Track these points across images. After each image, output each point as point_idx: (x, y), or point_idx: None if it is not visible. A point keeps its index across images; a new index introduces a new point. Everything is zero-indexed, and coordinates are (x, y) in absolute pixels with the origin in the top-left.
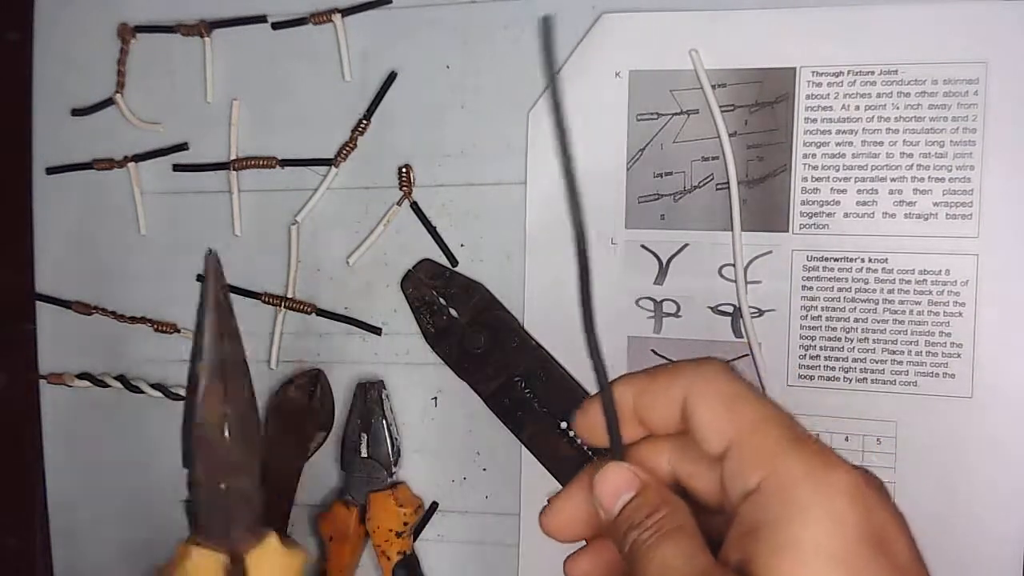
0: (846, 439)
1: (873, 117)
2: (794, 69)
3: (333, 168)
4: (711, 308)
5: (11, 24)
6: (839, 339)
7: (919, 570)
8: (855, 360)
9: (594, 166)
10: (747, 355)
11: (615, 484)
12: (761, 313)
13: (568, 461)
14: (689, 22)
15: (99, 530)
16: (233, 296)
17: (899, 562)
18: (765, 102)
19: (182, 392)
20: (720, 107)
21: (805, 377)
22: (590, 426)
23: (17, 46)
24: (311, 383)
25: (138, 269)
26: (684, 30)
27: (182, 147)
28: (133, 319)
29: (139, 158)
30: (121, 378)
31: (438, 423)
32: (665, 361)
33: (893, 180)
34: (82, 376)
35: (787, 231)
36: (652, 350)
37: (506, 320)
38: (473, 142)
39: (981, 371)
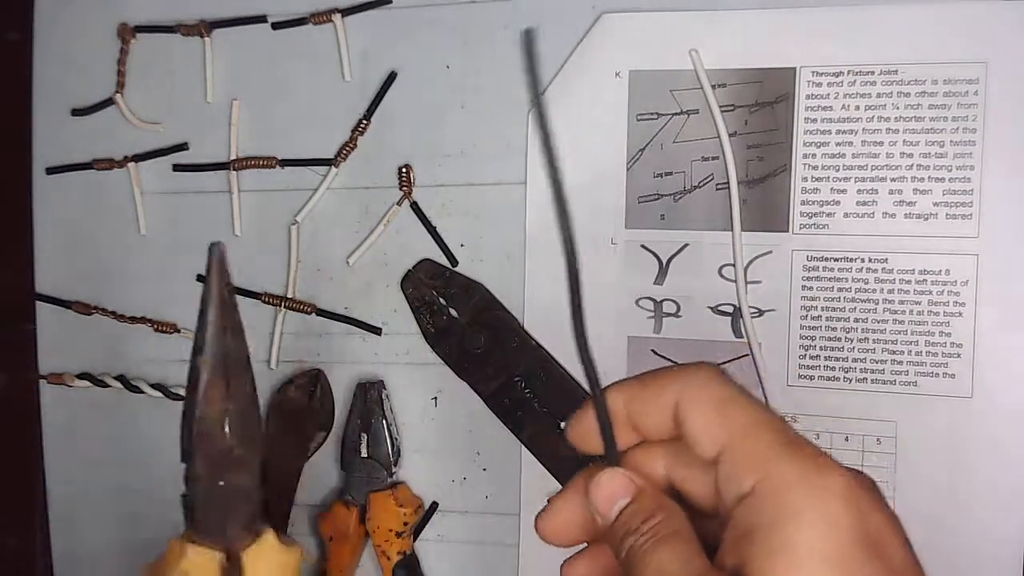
0: (846, 439)
1: (873, 117)
2: (794, 69)
3: (333, 168)
4: (711, 308)
5: (11, 24)
6: (839, 339)
7: (914, 572)
8: (855, 360)
9: (594, 166)
10: (747, 355)
11: (611, 490)
12: (761, 313)
13: (568, 461)
14: (689, 22)
15: (99, 530)
16: None
17: (894, 564)
18: (765, 102)
19: (182, 392)
20: (720, 107)
21: (805, 377)
22: (583, 434)
23: (17, 46)
24: (311, 383)
25: (138, 269)
26: (684, 30)
27: (182, 147)
28: (133, 319)
29: (139, 158)
30: (121, 378)
31: (438, 423)
32: (665, 361)
33: (893, 180)
34: (82, 376)
35: (787, 231)
36: (652, 350)
37: (506, 320)
38: (473, 142)
39: (981, 371)
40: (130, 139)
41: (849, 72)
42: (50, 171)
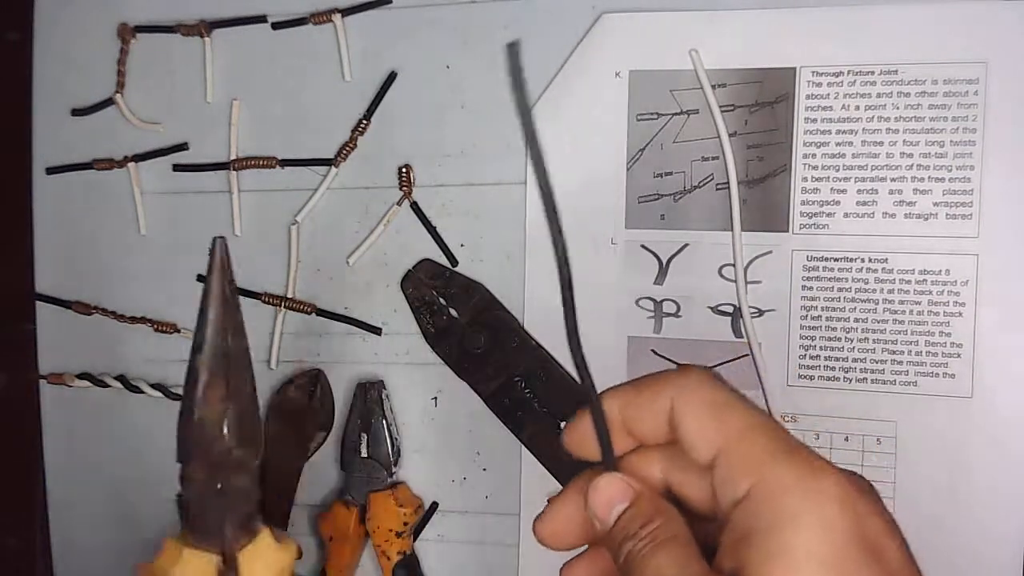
0: (846, 439)
1: (873, 117)
2: (794, 69)
3: (333, 168)
4: (711, 308)
5: (11, 24)
6: (839, 339)
7: (911, 574)
8: (855, 360)
9: (594, 166)
10: (747, 355)
11: (608, 495)
12: (761, 313)
13: (568, 462)
14: (689, 22)
15: (99, 530)
16: None
17: (891, 567)
18: (765, 102)
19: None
20: (720, 107)
21: (805, 377)
22: (580, 440)
23: (17, 46)
24: (311, 383)
25: (138, 269)
26: (684, 30)
27: (182, 147)
28: (133, 319)
29: (139, 158)
30: (121, 378)
31: (438, 423)
32: (665, 361)
33: (893, 180)
34: (82, 376)
35: (787, 231)
36: (652, 350)
37: (506, 320)
38: (473, 142)
39: (981, 371)
40: (130, 139)
41: (849, 72)
42: (50, 171)
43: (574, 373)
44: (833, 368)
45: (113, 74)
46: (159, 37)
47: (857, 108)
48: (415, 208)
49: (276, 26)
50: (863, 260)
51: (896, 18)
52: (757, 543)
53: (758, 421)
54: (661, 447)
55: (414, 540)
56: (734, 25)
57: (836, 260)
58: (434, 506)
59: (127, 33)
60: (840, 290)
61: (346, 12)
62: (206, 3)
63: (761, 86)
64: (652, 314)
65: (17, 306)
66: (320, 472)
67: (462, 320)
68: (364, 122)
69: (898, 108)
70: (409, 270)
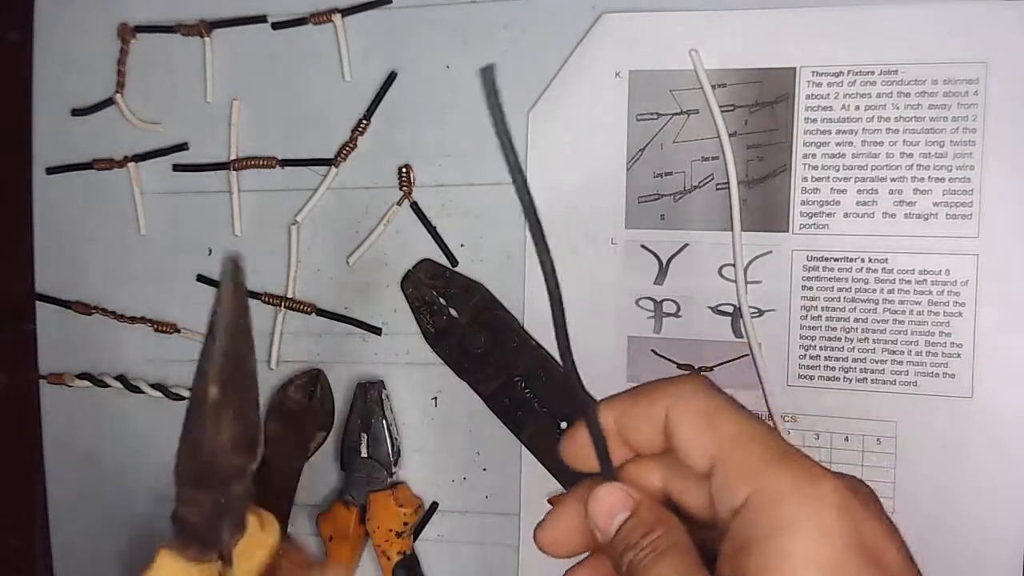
0: (846, 439)
1: (873, 117)
2: (794, 69)
3: (333, 168)
4: (711, 308)
5: (11, 24)
6: (839, 339)
7: None
8: (855, 360)
9: (594, 166)
10: (747, 355)
11: (609, 504)
12: (761, 313)
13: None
14: (689, 22)
15: (99, 530)
16: None
17: (891, 572)
18: (765, 102)
19: (182, 392)
20: (720, 107)
21: (805, 377)
22: (577, 452)
23: (17, 46)
24: (311, 383)
25: (138, 269)
26: (684, 30)
27: (182, 147)
28: (133, 319)
29: (139, 158)
30: (121, 378)
31: (438, 423)
32: (665, 361)
33: (893, 180)
34: (82, 376)
35: (787, 231)
36: (652, 350)
37: (506, 320)
38: (473, 142)
39: (981, 371)
40: (130, 139)
41: (849, 72)
42: (50, 171)
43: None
44: (833, 368)
45: (113, 74)
46: (159, 37)
47: (857, 108)
48: (415, 208)
49: (276, 26)
50: (863, 260)
51: (896, 18)
52: (756, 551)
53: (753, 428)
54: (660, 456)
55: (414, 540)
56: (734, 25)
57: (836, 260)
58: (434, 506)
59: (127, 33)
60: (840, 290)
61: (346, 12)
62: (206, 3)
63: (761, 86)
64: (652, 314)
65: (17, 306)
66: (320, 472)
67: (462, 320)
68: (364, 122)
69: (898, 108)
70: (409, 270)
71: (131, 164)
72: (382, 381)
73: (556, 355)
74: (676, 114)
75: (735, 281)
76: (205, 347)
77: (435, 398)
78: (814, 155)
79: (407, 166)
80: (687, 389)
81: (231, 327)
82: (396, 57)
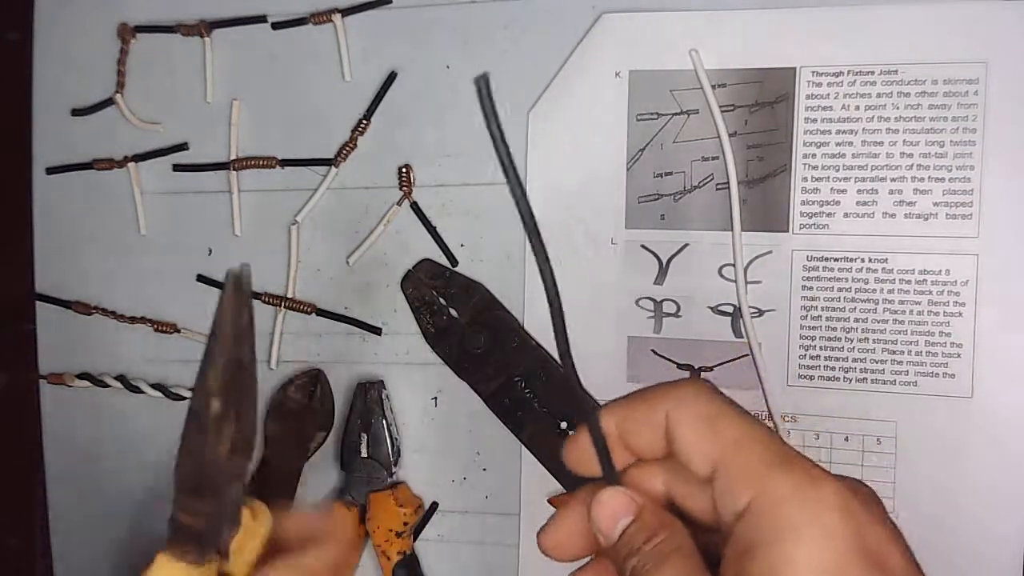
0: (846, 439)
1: (873, 117)
2: (794, 69)
3: (333, 168)
4: (711, 308)
5: (11, 24)
6: (839, 339)
7: None
8: (855, 360)
9: (594, 166)
10: (747, 355)
11: (612, 509)
12: (761, 313)
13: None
14: (689, 22)
15: (99, 530)
16: None
17: (895, 575)
18: (765, 102)
19: (182, 392)
20: (720, 107)
21: (805, 377)
22: (579, 457)
23: (17, 46)
24: (311, 383)
25: (138, 269)
26: (684, 30)
27: (182, 147)
28: (133, 319)
29: (139, 158)
30: (121, 378)
31: (438, 423)
32: (665, 361)
33: (893, 180)
34: (82, 376)
35: (787, 231)
36: (652, 350)
37: (506, 320)
38: (473, 142)
39: (981, 371)
40: (130, 139)
41: (849, 72)
42: (50, 171)
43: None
44: (833, 368)
45: (113, 74)
46: (159, 37)
47: (857, 108)
48: (415, 208)
49: (276, 26)
50: (863, 260)
51: (896, 18)
52: (760, 556)
53: (754, 432)
54: (662, 460)
55: (414, 540)
56: (734, 25)
57: (836, 260)
58: (434, 506)
59: (127, 33)
60: (840, 290)
61: (346, 12)
62: (206, 3)
63: (761, 86)
64: (652, 314)
65: (17, 306)
66: (320, 472)
67: (462, 320)
68: (364, 122)
69: (898, 108)
70: (409, 270)
71: (131, 164)
72: (382, 381)
73: (556, 356)
74: (676, 114)
75: (735, 281)
76: (207, 358)
77: (435, 398)
78: (814, 155)
79: (407, 166)
80: (688, 393)
81: (234, 339)
82: (396, 57)
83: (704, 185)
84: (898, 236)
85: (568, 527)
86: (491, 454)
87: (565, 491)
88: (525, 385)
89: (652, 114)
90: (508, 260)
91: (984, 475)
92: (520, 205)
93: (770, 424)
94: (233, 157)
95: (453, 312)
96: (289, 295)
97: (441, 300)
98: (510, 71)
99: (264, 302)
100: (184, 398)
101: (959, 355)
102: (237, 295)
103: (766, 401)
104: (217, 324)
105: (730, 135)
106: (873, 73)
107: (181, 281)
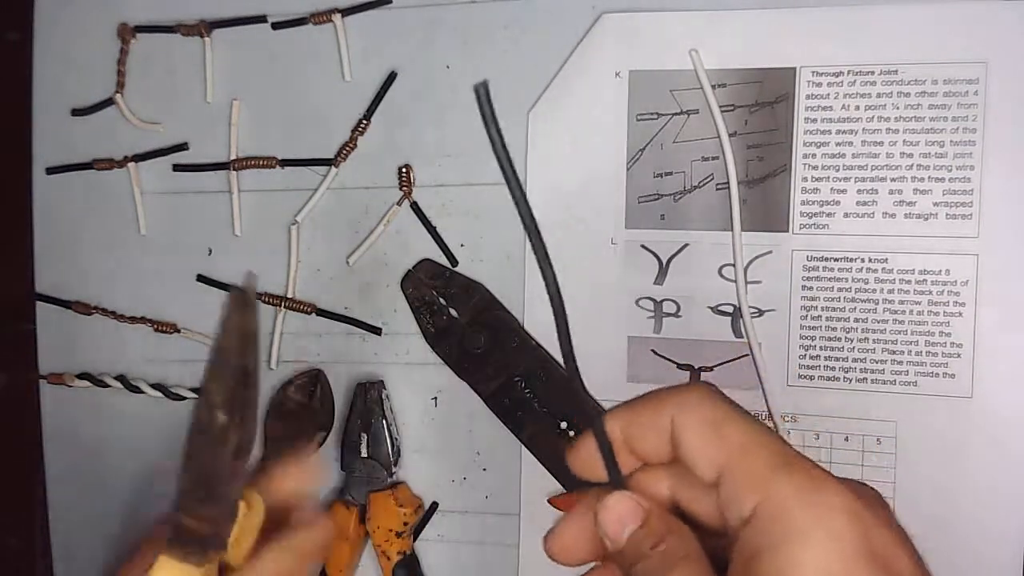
0: (846, 439)
1: (873, 117)
2: (794, 69)
3: (333, 168)
4: (711, 308)
5: (11, 24)
6: (839, 339)
7: None
8: (855, 360)
9: (594, 166)
10: (747, 355)
11: (619, 514)
12: (761, 313)
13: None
14: (689, 22)
15: (99, 530)
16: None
17: None
18: (765, 102)
19: (182, 392)
20: (720, 107)
21: (805, 377)
22: (584, 462)
23: (17, 46)
24: (311, 383)
25: (138, 269)
26: (684, 30)
27: (182, 147)
28: (133, 319)
29: (139, 158)
30: (121, 378)
31: (438, 423)
32: (665, 361)
33: (893, 180)
34: (82, 376)
35: (787, 231)
36: (652, 350)
37: (506, 320)
38: (473, 142)
39: (981, 371)
40: (130, 139)
41: (849, 72)
42: (50, 171)
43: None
44: (833, 368)
45: (113, 74)
46: (159, 37)
47: (857, 108)
48: (415, 208)
49: (276, 26)
50: (863, 260)
51: (896, 18)
52: (767, 560)
53: (759, 436)
54: (667, 465)
55: (414, 540)
56: (734, 25)
57: (836, 260)
58: (434, 506)
59: (127, 33)
60: (840, 290)
61: (346, 12)
62: (206, 3)
63: (761, 86)
64: (652, 314)
65: (17, 306)
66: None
67: (462, 320)
68: (364, 122)
69: (898, 108)
70: (409, 270)
71: (131, 164)
72: (382, 381)
73: (556, 355)
74: (676, 114)
75: (735, 281)
76: (212, 370)
77: (435, 398)
78: (814, 155)
79: (407, 166)
80: (692, 398)
81: (240, 351)
82: (396, 57)
83: (704, 185)
84: (898, 236)
85: (574, 532)
86: (491, 454)
87: (565, 491)
88: (525, 385)
89: (652, 114)
90: (508, 260)
91: (984, 475)
92: (523, 213)
93: (770, 424)
94: (233, 157)
95: (453, 312)
96: (289, 295)
97: (441, 300)
98: (510, 71)
99: (264, 302)
100: (184, 398)
101: (959, 355)
102: (244, 308)
103: (766, 401)
104: (223, 337)
105: (730, 135)
106: (873, 73)
107: (181, 281)
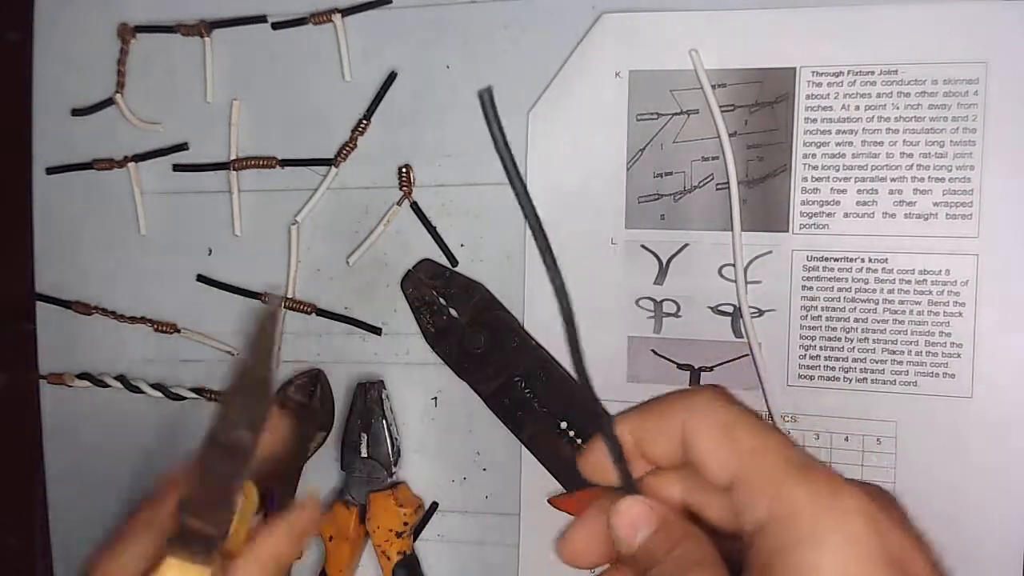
0: (846, 439)
1: (873, 117)
2: (794, 69)
3: (333, 168)
4: (711, 308)
5: (11, 24)
6: (839, 339)
7: None
8: (855, 360)
9: (594, 166)
10: (747, 355)
11: (632, 518)
12: (761, 313)
13: (568, 461)
14: (689, 22)
15: (99, 530)
16: (233, 296)
17: None
18: (765, 102)
19: (182, 392)
20: (720, 107)
21: (805, 377)
22: (595, 466)
23: (17, 46)
24: (311, 383)
25: (138, 269)
26: (684, 30)
27: (182, 147)
28: (133, 319)
29: (139, 158)
30: (121, 378)
31: (438, 423)
32: (665, 361)
33: (893, 180)
34: (82, 376)
35: (787, 231)
36: (652, 350)
37: (506, 320)
38: (473, 142)
39: (981, 371)
40: (130, 139)
41: (849, 72)
42: (50, 171)
43: (574, 371)
44: (833, 368)
45: (113, 74)
46: (159, 37)
47: (857, 108)
48: (415, 208)
49: (276, 26)
50: (863, 260)
51: (896, 18)
52: (783, 564)
53: (771, 439)
54: (679, 468)
55: (414, 540)
56: (734, 25)
57: (836, 260)
58: (434, 506)
59: (127, 33)
60: (840, 290)
61: (346, 12)
62: (206, 3)
63: (761, 86)
64: (652, 314)
65: (17, 306)
66: (320, 472)
67: (462, 320)
68: (364, 122)
69: (898, 108)
70: (409, 270)
71: (131, 164)
72: (382, 381)
73: (556, 355)
74: (676, 114)
75: (735, 281)
76: (237, 388)
77: (435, 398)
78: (814, 155)
79: (407, 166)
80: (703, 402)
81: (264, 370)
82: (396, 57)
83: (704, 185)
84: (898, 236)
85: (586, 536)
86: (491, 454)
87: (565, 491)
88: (525, 385)
89: (652, 114)
90: (508, 260)
91: (984, 475)
92: (529, 218)
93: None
94: (233, 157)
95: (453, 312)
96: (289, 295)
97: (441, 300)
98: (510, 71)
99: (265, 302)
100: (184, 398)
101: (959, 355)
102: (272, 328)
103: (766, 401)
104: (250, 356)
105: (730, 135)
106: (873, 73)
107: (181, 281)
